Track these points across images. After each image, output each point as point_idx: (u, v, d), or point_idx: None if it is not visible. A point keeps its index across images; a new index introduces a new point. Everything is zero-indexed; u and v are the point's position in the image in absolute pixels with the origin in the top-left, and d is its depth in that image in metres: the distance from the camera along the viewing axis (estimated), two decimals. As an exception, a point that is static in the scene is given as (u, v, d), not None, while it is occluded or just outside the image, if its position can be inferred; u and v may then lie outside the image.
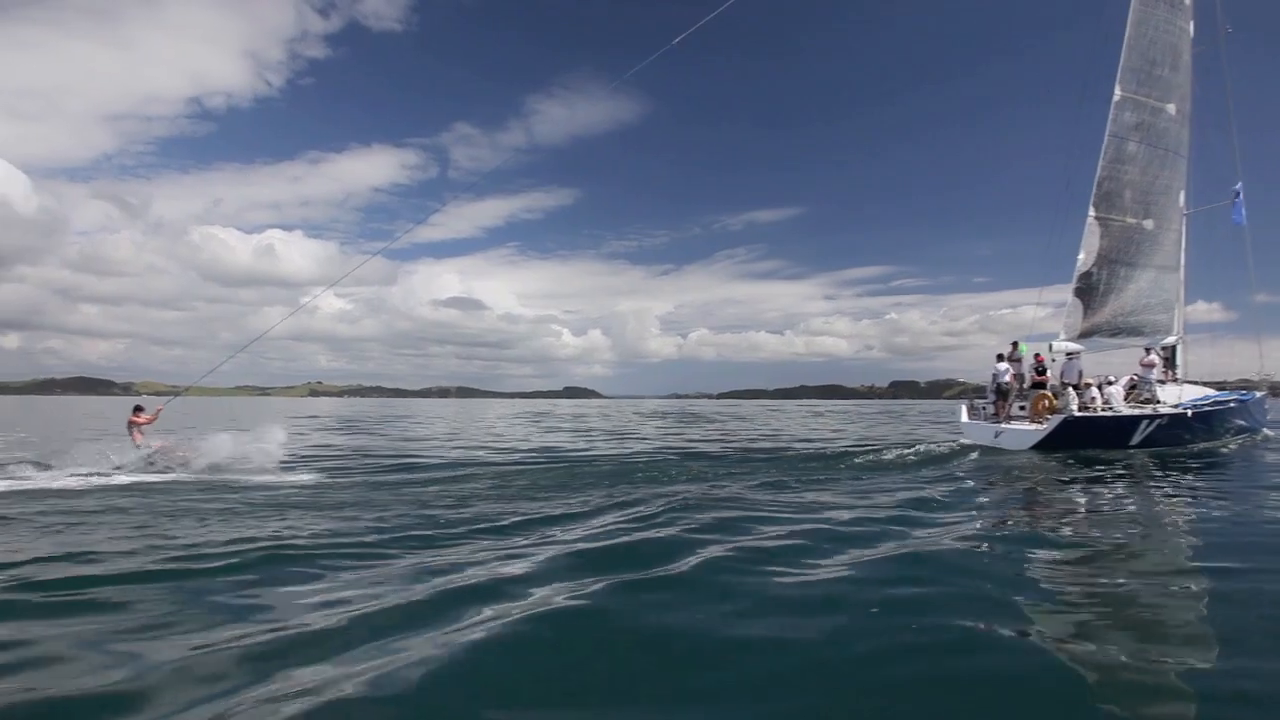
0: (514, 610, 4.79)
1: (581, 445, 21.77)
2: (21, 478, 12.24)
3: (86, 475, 12.76)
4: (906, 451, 16.57)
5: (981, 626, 4.55)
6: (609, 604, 4.97)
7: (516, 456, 17.49)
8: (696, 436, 26.60)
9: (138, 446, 14.37)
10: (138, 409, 15.15)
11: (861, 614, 4.78)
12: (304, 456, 17.06)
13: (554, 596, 5.11)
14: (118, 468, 13.44)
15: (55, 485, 11.71)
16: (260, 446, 15.08)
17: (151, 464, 13.77)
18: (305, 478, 12.84)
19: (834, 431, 29.69)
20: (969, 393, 23.70)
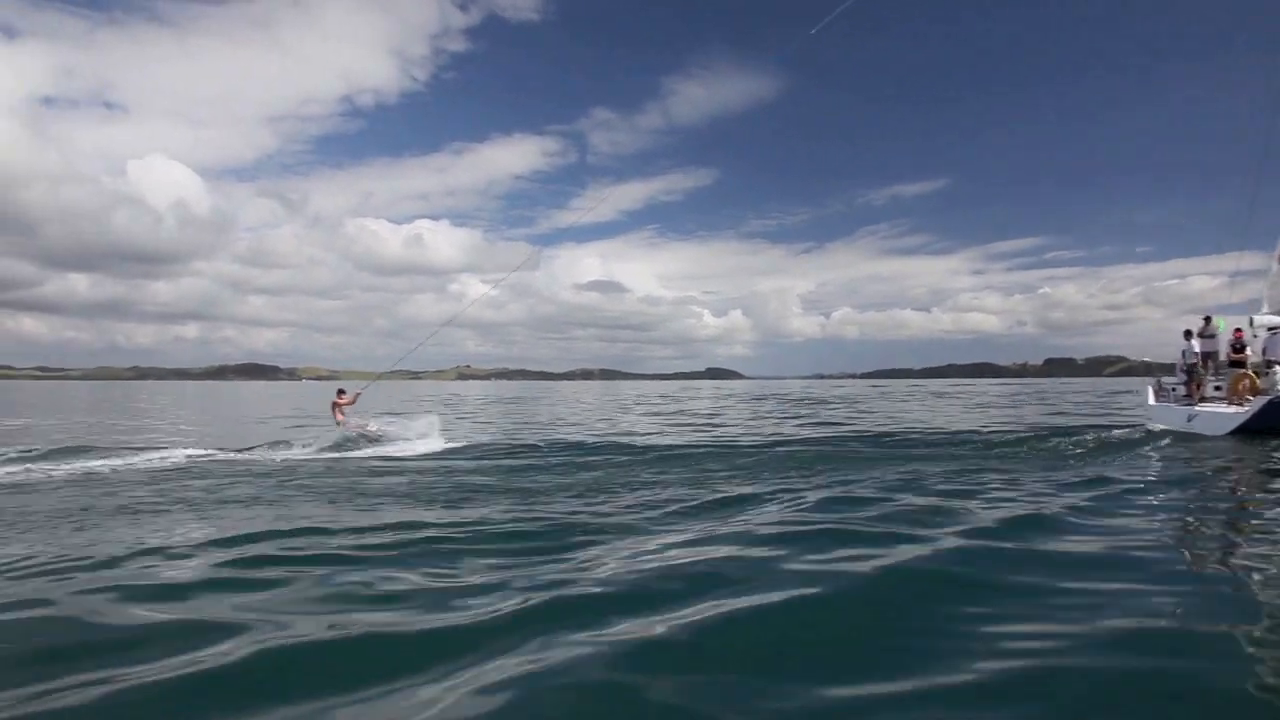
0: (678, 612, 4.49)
1: (731, 430, 22.02)
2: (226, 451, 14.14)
3: (303, 448, 14.74)
4: (1082, 438, 15.49)
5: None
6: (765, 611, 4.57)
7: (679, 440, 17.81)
8: (854, 421, 26.22)
9: (340, 425, 16.09)
10: (340, 392, 16.91)
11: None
12: (461, 436, 18.31)
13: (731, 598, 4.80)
14: (334, 443, 15.38)
15: (279, 457, 13.53)
16: (436, 428, 16.76)
17: (352, 440, 15.46)
18: (463, 459, 14.04)
19: (991, 415, 28.34)
20: (1154, 370, 21.85)
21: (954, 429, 20.23)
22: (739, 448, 15.38)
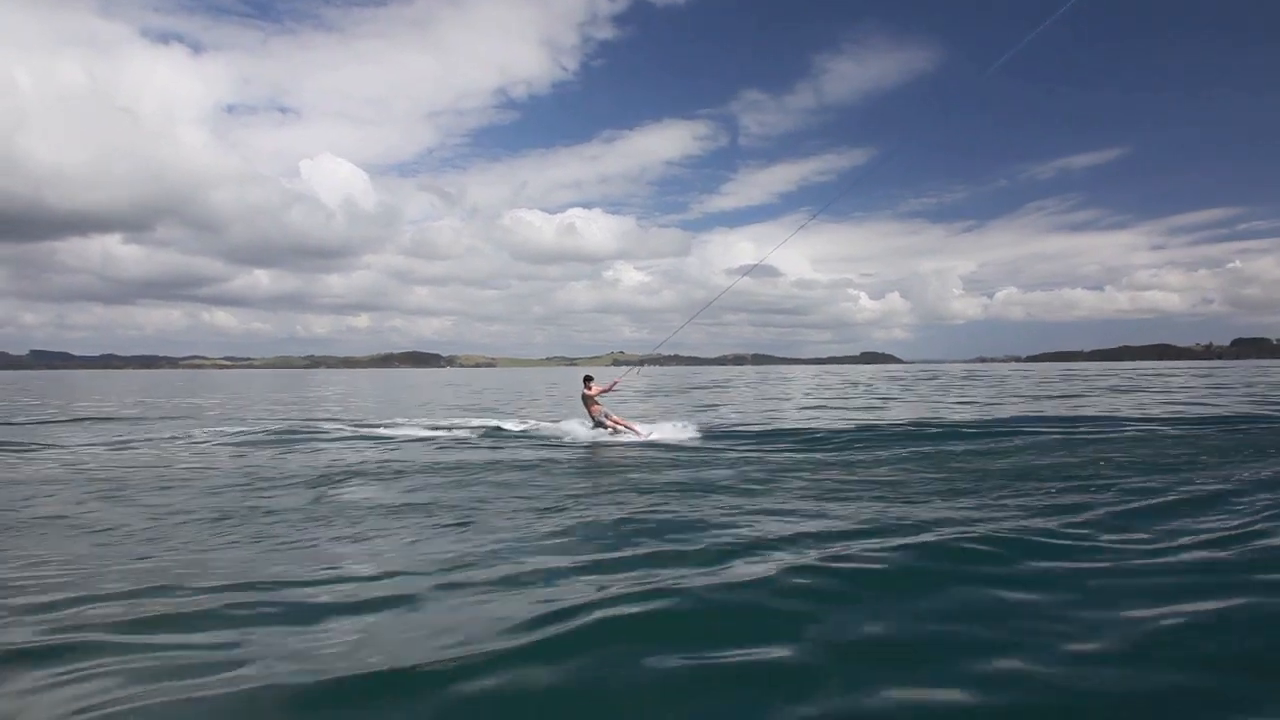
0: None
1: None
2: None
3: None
4: None
5: None
6: None
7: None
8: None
9: (595, 419, 13.43)
10: (588, 380, 14.08)
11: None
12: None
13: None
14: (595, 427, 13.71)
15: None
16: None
17: (604, 430, 13.53)
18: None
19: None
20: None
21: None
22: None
